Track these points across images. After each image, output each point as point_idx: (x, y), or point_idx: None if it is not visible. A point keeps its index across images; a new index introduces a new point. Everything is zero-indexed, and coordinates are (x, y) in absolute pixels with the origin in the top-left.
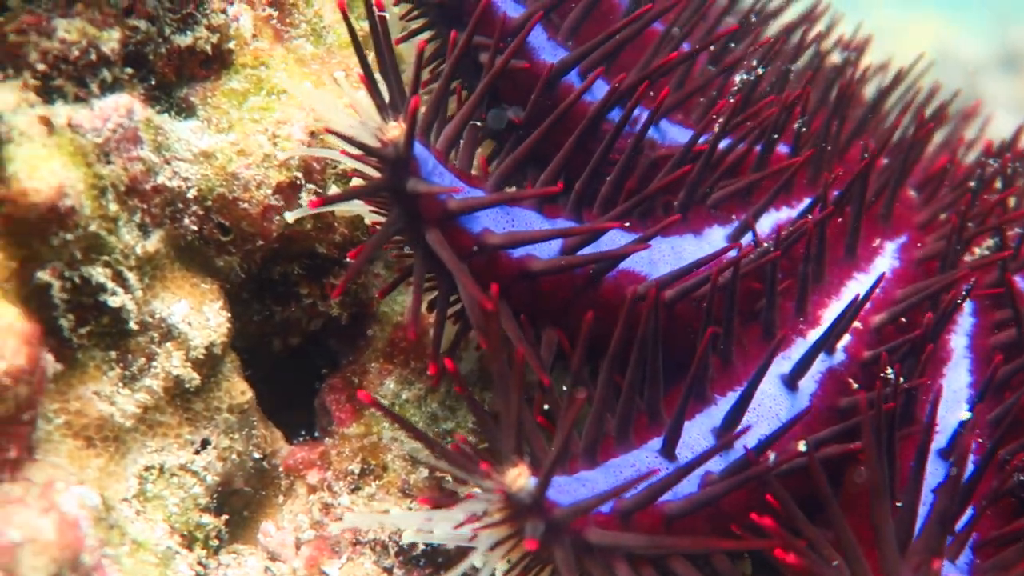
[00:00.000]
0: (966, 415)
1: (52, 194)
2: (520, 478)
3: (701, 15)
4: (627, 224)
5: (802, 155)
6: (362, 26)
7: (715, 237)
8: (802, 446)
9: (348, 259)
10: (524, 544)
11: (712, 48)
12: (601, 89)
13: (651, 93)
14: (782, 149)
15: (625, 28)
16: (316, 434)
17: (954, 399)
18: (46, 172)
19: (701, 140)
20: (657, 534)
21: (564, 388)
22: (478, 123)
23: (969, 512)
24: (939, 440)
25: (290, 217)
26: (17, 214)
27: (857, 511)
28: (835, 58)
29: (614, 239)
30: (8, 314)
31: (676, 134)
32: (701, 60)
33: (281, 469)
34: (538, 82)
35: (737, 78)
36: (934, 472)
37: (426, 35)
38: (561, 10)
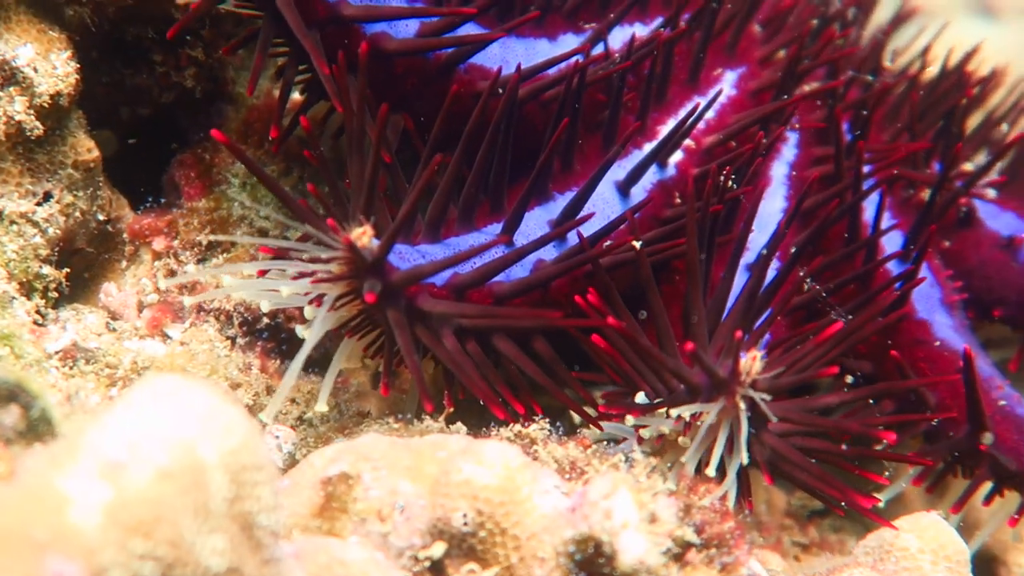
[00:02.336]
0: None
1: None
2: (364, 236)
3: None
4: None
5: None
6: None
7: (569, 44)
8: (638, 245)
9: (191, 7)
10: (360, 301)
11: None
12: None
13: None
14: None
15: None
16: (162, 200)
17: (767, 221)
18: None
19: None
20: None
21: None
22: None
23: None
24: (748, 256)
25: None
26: None
27: (669, 313)
28: None
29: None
30: None
31: None
32: None
33: (126, 234)
34: None
35: None
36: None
37: None
38: None
